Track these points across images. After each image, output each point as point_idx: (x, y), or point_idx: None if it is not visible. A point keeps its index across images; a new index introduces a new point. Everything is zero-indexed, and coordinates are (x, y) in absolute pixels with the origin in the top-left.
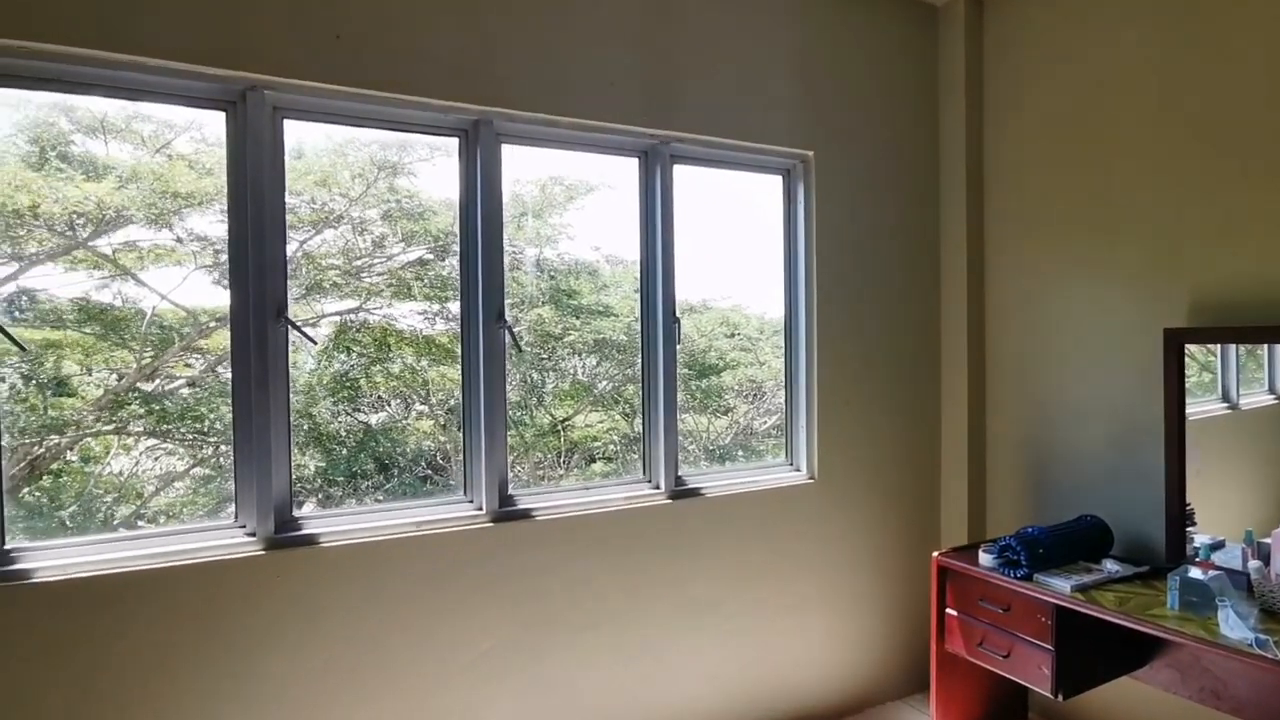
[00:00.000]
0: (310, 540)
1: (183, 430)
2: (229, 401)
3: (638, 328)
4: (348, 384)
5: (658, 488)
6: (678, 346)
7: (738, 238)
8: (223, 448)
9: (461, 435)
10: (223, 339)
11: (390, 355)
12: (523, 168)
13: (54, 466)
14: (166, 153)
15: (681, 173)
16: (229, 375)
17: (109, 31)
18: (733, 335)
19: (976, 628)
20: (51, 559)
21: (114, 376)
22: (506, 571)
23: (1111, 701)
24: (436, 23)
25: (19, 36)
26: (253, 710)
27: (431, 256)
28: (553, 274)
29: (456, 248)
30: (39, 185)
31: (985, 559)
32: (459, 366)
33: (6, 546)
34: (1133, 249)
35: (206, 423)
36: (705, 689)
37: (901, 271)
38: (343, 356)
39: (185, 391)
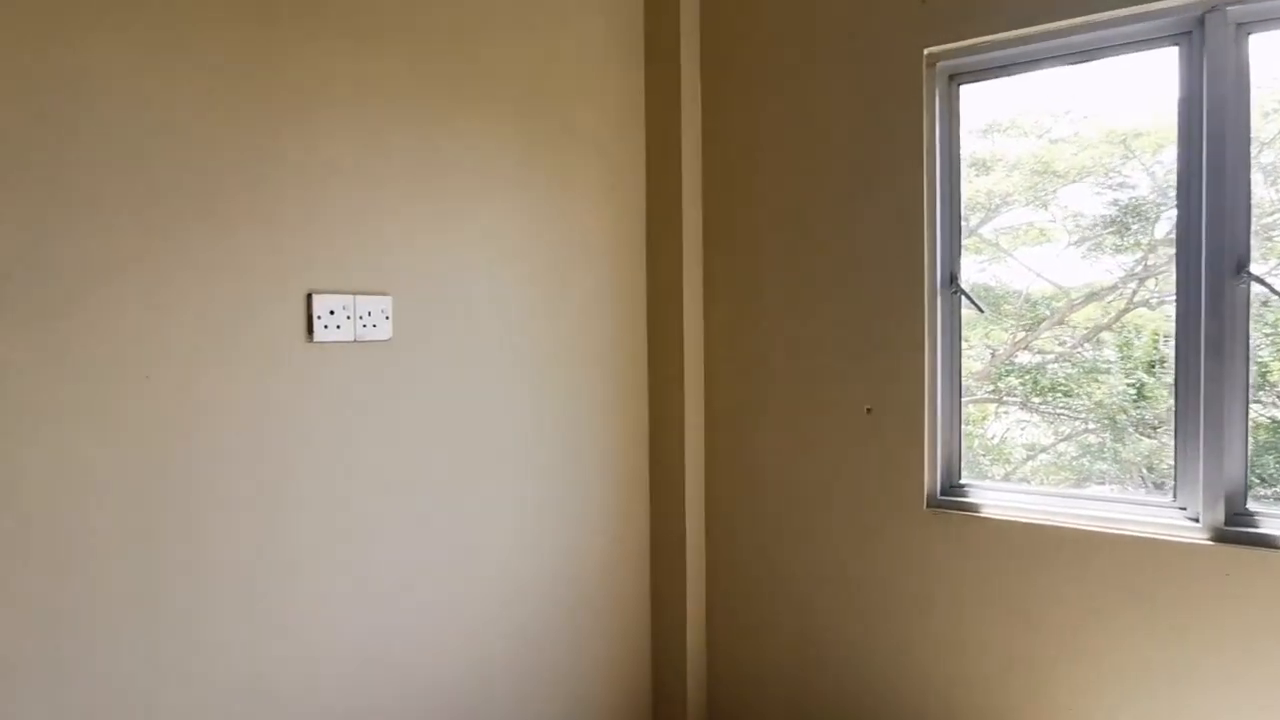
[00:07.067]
0: (1269, 542)
1: (1049, 404)
2: (1097, 379)
3: None
4: None
5: None
6: None
7: None
8: (1089, 424)
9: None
10: (1090, 314)
11: None
12: None
13: None
14: (1049, 138)
15: None
16: (1091, 354)
17: (1053, 3)
18: None
19: None
20: (989, 499)
21: (989, 351)
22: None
23: None
24: None
25: (983, 34)
26: (1155, 699)
27: None
28: None
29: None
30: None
31: None
32: None
33: (961, 481)
34: None
35: (1075, 398)
36: None
37: None
38: None
39: (1053, 367)
